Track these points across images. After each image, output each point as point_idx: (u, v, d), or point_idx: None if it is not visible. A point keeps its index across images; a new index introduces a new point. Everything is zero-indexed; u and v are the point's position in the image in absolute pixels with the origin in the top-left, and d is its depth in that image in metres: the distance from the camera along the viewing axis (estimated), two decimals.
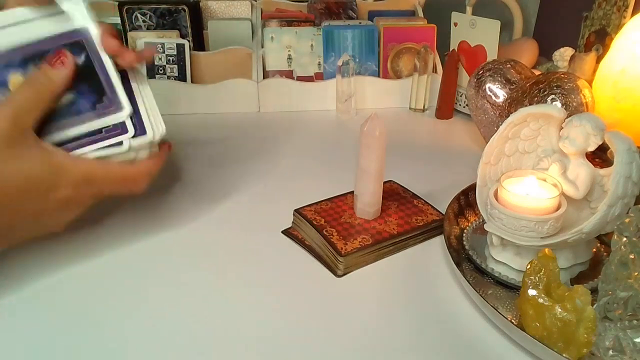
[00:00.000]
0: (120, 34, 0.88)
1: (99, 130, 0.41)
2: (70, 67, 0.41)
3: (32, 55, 0.41)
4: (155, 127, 0.43)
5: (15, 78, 0.41)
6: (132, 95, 0.43)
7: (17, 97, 0.39)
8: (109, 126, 0.41)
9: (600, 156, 0.53)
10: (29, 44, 0.41)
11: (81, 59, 0.42)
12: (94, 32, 0.42)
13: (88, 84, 0.41)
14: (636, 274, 0.35)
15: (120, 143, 0.42)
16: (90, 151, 0.41)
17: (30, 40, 0.41)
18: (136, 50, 0.46)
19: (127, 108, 0.42)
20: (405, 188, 0.57)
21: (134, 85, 0.43)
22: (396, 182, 0.58)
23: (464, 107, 0.87)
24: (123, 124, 0.42)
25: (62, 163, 0.40)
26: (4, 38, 0.41)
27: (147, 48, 0.44)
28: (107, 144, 0.41)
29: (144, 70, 0.43)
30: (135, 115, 0.43)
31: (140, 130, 0.42)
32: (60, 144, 0.41)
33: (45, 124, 0.40)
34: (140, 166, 0.44)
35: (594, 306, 0.36)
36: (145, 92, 0.44)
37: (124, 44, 0.43)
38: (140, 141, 0.42)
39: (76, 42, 0.42)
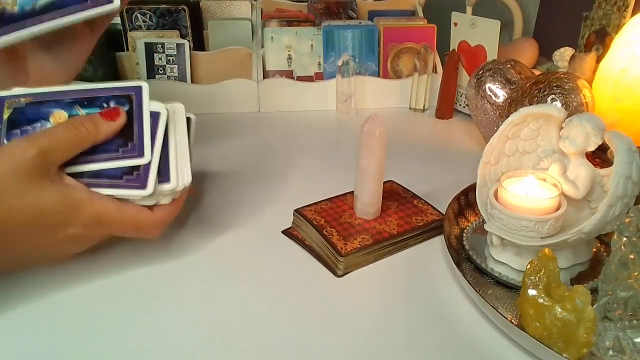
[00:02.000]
0: (120, 34, 0.89)
1: (119, 176, 0.41)
2: (120, 123, 0.41)
3: (82, 99, 0.42)
4: (181, 177, 0.43)
5: (59, 114, 0.41)
6: (166, 142, 0.43)
7: (58, 133, 0.39)
8: (131, 174, 0.42)
9: (600, 156, 0.53)
10: (83, 90, 0.43)
11: (125, 108, 0.43)
12: (146, 92, 0.43)
13: (121, 131, 0.42)
14: (636, 274, 0.35)
15: (144, 187, 0.42)
16: (109, 193, 0.41)
17: (84, 87, 0.43)
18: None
19: (147, 157, 0.42)
20: (405, 188, 0.57)
21: (171, 133, 0.44)
22: (396, 182, 0.58)
23: (464, 107, 0.87)
24: (145, 178, 0.42)
25: (78, 201, 0.39)
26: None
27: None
28: (124, 193, 0.41)
29: (183, 120, 0.44)
30: (164, 162, 0.43)
31: (165, 177, 0.43)
32: (79, 175, 0.41)
33: None
34: (156, 214, 0.43)
35: (594, 306, 0.36)
36: (180, 141, 0.44)
37: None
38: (162, 188, 0.43)
39: (126, 95, 0.43)
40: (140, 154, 0.42)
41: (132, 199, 0.42)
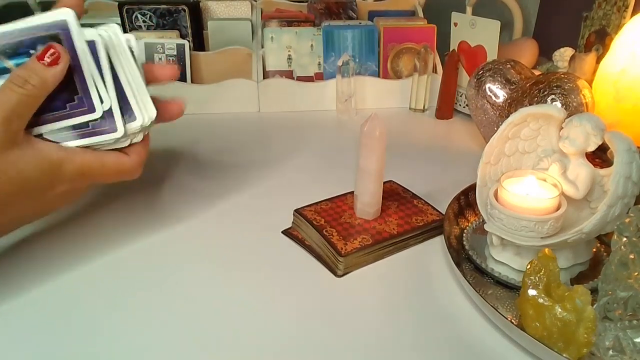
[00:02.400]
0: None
1: (86, 124, 0.40)
2: (64, 63, 0.38)
3: (2, 49, 0.38)
4: (144, 110, 0.43)
5: None
6: (115, 76, 0.41)
7: (7, 99, 0.37)
8: (96, 120, 0.40)
9: (600, 156, 0.53)
10: (1, 34, 0.38)
11: None
12: (74, 25, 0.38)
13: (63, 82, 0.39)
14: (636, 274, 0.35)
15: (114, 131, 0.41)
16: (82, 144, 0.41)
17: (5, 30, 0.38)
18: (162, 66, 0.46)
19: (98, 111, 0.40)
20: (405, 188, 0.57)
21: (117, 64, 0.41)
22: (396, 182, 0.58)
23: (464, 107, 0.87)
24: (112, 122, 0.41)
25: (57, 161, 0.39)
26: None
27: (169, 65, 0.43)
28: (97, 141, 0.41)
29: (124, 45, 0.41)
30: (123, 99, 0.41)
31: (129, 115, 0.42)
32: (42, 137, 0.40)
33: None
34: (132, 156, 0.44)
35: (594, 306, 0.36)
36: (130, 71, 0.42)
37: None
38: (130, 127, 0.42)
39: (52, 35, 0.38)
40: (91, 109, 0.40)
41: (107, 145, 0.41)
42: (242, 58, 0.90)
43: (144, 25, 0.89)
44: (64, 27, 0.38)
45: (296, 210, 0.52)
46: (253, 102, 0.87)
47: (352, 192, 0.54)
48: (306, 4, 1.00)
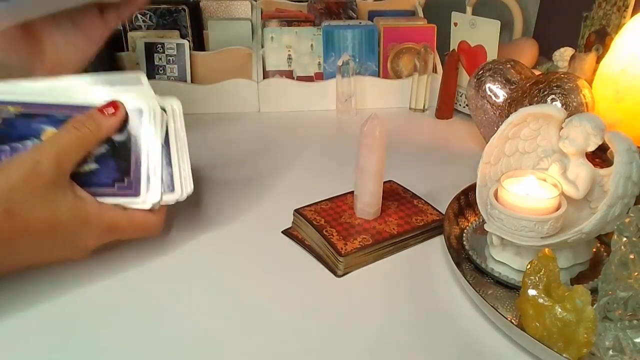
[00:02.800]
0: (120, 34, 0.89)
1: (111, 184, 0.42)
2: (120, 116, 0.41)
3: (73, 115, 0.41)
4: (184, 186, 0.44)
5: (51, 132, 0.40)
6: (167, 145, 0.43)
7: (62, 139, 0.39)
8: (122, 181, 0.42)
9: (600, 156, 0.53)
10: (75, 106, 0.41)
11: (122, 136, 0.42)
12: (146, 113, 0.42)
13: (116, 161, 0.41)
14: (636, 274, 0.35)
15: (141, 199, 0.42)
16: (115, 202, 0.42)
17: (78, 103, 0.41)
18: None
19: (142, 197, 0.42)
20: (405, 188, 0.57)
21: (171, 136, 0.43)
22: (396, 182, 0.58)
23: (464, 107, 0.87)
24: (137, 186, 0.42)
25: (89, 216, 0.39)
26: (58, 93, 0.41)
27: None
28: (122, 201, 0.42)
29: (182, 120, 0.44)
30: (167, 169, 0.43)
31: (169, 187, 0.43)
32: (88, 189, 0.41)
33: None
34: (157, 214, 0.44)
35: (594, 306, 0.36)
36: (181, 151, 0.44)
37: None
38: (168, 198, 0.43)
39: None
40: (136, 193, 0.42)
41: (137, 206, 0.42)
42: (242, 58, 0.90)
43: (144, 25, 0.89)
44: (137, 114, 0.42)
45: (296, 210, 0.52)
46: (253, 102, 0.87)
47: (352, 192, 0.54)
48: (306, 4, 1.00)
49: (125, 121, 0.42)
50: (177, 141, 0.44)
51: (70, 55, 0.48)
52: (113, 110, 0.41)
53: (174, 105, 0.44)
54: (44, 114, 0.40)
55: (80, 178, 0.40)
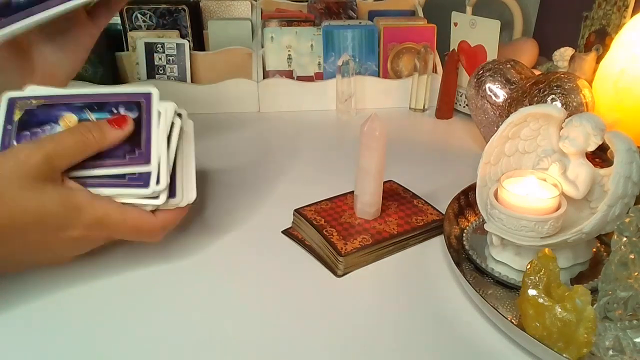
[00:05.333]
0: (120, 34, 0.89)
1: (122, 176, 0.41)
2: (127, 132, 0.42)
3: (92, 103, 0.43)
4: (186, 193, 0.44)
5: (69, 117, 0.42)
6: (175, 158, 0.44)
7: (64, 139, 0.39)
8: (134, 174, 0.42)
9: (600, 156, 0.53)
10: (93, 94, 0.43)
11: (133, 115, 0.43)
12: (156, 99, 0.44)
13: (128, 137, 0.42)
14: (636, 274, 0.35)
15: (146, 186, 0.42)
16: (111, 194, 0.41)
17: (95, 91, 0.43)
18: None
19: (153, 164, 0.42)
20: (405, 188, 0.57)
21: (179, 149, 0.44)
22: (396, 182, 0.58)
23: (464, 107, 0.87)
24: (147, 177, 0.42)
25: (79, 204, 0.39)
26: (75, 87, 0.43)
27: None
28: (128, 192, 0.42)
29: (192, 132, 0.46)
30: (172, 177, 0.43)
31: (171, 193, 0.43)
32: (83, 179, 0.41)
33: None
34: (159, 217, 0.43)
35: (594, 306, 0.36)
36: (187, 157, 0.45)
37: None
38: (168, 203, 0.43)
39: (136, 101, 0.43)
40: (147, 161, 0.42)
41: (134, 201, 0.42)
42: (242, 58, 0.90)
43: (144, 25, 0.89)
44: (147, 97, 0.44)
45: (296, 210, 0.52)
46: (253, 102, 0.87)
47: (352, 192, 0.54)
48: (306, 4, 1.00)
49: (136, 102, 0.43)
50: (183, 146, 0.44)
51: (61, 65, 0.48)
52: (122, 124, 0.42)
53: (185, 115, 0.46)
54: (63, 103, 0.42)
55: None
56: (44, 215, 0.37)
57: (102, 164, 0.41)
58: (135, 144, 0.42)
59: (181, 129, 0.44)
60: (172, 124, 0.44)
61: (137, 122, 0.42)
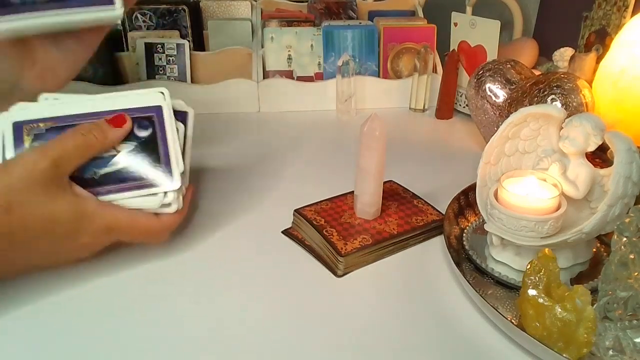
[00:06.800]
0: (120, 34, 0.89)
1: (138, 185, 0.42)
2: (126, 129, 0.42)
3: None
4: (179, 167, 0.44)
5: None
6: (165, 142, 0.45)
7: (67, 142, 0.39)
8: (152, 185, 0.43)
9: (600, 156, 0.53)
10: (101, 112, 0.43)
11: (147, 132, 0.44)
12: (167, 112, 0.45)
13: (149, 154, 0.43)
14: (636, 274, 0.35)
15: (153, 195, 0.43)
16: (121, 199, 0.42)
17: (102, 109, 0.43)
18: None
19: (176, 183, 0.43)
20: (405, 188, 0.57)
21: (169, 133, 0.45)
22: (396, 182, 0.58)
23: (464, 107, 0.87)
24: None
25: (89, 212, 0.39)
26: (88, 103, 0.43)
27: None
28: (136, 195, 0.42)
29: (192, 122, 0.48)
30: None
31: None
32: (90, 182, 0.41)
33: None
34: (163, 219, 0.44)
35: (594, 306, 0.36)
36: (175, 140, 0.45)
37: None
38: (171, 193, 0.44)
39: (146, 117, 0.44)
40: (168, 179, 0.43)
41: (143, 206, 0.43)
42: (242, 58, 0.90)
43: (144, 25, 0.89)
44: (158, 112, 0.44)
45: (296, 210, 0.52)
46: (253, 102, 0.87)
47: (352, 192, 0.54)
48: (306, 4, 1.00)
49: (148, 117, 0.44)
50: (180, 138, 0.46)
51: (63, 61, 0.48)
52: (120, 122, 0.42)
53: (190, 112, 0.48)
54: (72, 124, 0.42)
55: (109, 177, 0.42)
56: (54, 223, 0.38)
57: (123, 188, 0.42)
58: (154, 160, 0.43)
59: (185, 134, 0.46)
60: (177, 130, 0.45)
61: (152, 137, 0.43)
